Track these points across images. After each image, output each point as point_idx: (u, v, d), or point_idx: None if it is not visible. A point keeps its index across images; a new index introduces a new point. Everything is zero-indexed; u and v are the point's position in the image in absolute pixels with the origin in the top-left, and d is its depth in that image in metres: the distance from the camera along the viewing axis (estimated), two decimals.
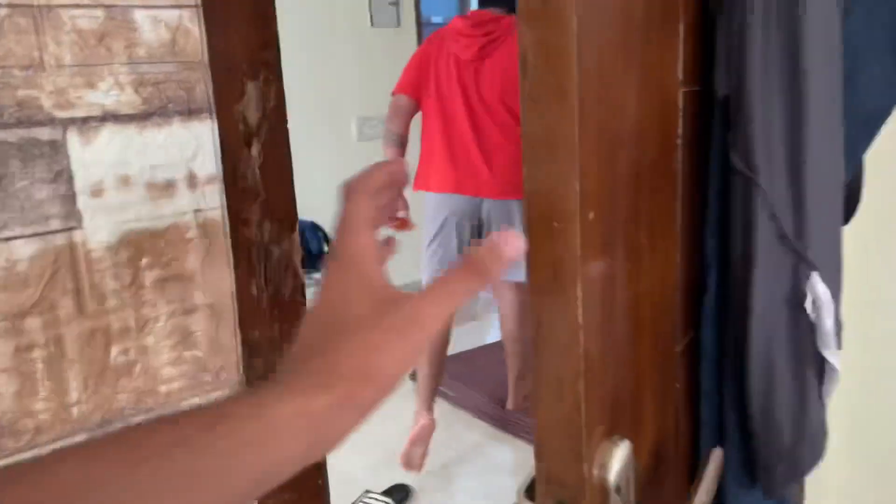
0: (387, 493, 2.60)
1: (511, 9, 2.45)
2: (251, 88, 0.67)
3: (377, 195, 0.43)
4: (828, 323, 0.76)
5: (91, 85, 0.58)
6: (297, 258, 0.73)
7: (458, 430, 3.10)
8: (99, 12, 0.58)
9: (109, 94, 0.59)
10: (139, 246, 0.62)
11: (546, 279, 0.54)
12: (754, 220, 0.76)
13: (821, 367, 0.78)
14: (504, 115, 2.54)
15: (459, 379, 3.30)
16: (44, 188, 0.57)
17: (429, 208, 2.75)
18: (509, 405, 3.11)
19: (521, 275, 0.54)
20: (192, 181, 0.64)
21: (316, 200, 4.02)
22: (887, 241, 1.26)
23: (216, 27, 0.64)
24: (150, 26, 0.60)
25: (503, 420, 3.11)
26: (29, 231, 0.57)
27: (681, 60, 0.71)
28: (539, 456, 0.59)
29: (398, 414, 2.57)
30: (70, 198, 0.58)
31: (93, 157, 0.59)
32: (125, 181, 0.61)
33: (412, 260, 4.35)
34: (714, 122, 0.77)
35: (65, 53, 0.57)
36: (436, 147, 2.64)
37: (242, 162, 0.67)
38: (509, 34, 2.50)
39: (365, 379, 0.35)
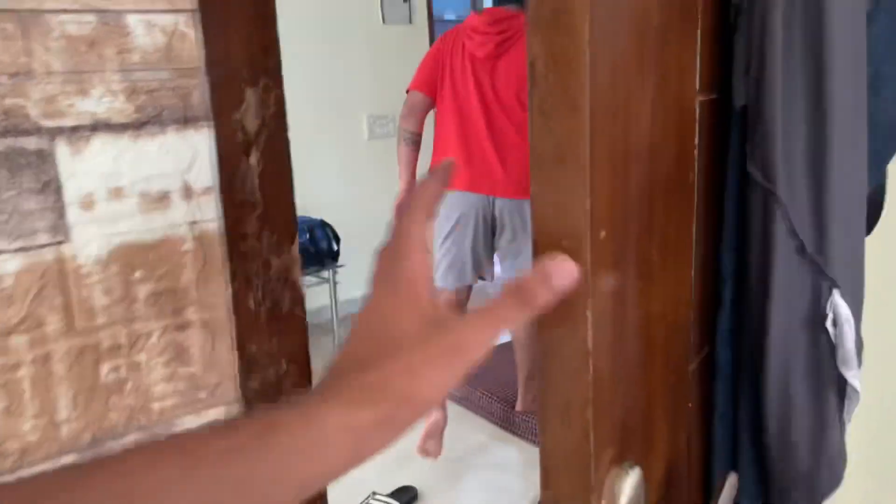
0: (393, 494, 2.58)
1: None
2: (250, 95, 0.65)
3: (430, 214, 0.44)
4: (849, 342, 0.73)
5: (81, 93, 0.56)
6: (297, 271, 0.70)
7: (465, 430, 3.08)
8: (90, 17, 0.56)
9: (101, 102, 0.57)
10: (131, 260, 0.60)
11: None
12: (772, 233, 0.72)
13: (841, 388, 0.75)
14: (520, 114, 2.51)
15: (466, 379, 3.28)
16: (31, 200, 0.55)
17: (442, 206, 2.72)
18: (519, 406, 3.09)
19: None
20: (187, 192, 0.62)
21: (325, 198, 4.03)
22: None
23: (214, 32, 0.62)
24: (144, 31, 0.58)
25: (510, 421, 3.09)
26: (15, 245, 0.54)
27: (698, 68, 0.68)
28: (545, 484, 0.57)
29: None
30: (58, 210, 0.56)
31: (83, 168, 0.57)
32: (117, 193, 0.59)
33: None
34: (731, 131, 0.74)
35: (53, 60, 0.54)
36: (450, 145, 2.63)
37: (240, 172, 0.65)
38: (525, 32, 2.48)
39: (406, 401, 0.36)
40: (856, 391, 0.75)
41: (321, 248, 3.75)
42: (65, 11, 0.55)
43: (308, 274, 3.77)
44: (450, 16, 5.39)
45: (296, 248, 0.70)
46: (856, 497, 1.21)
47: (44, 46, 0.54)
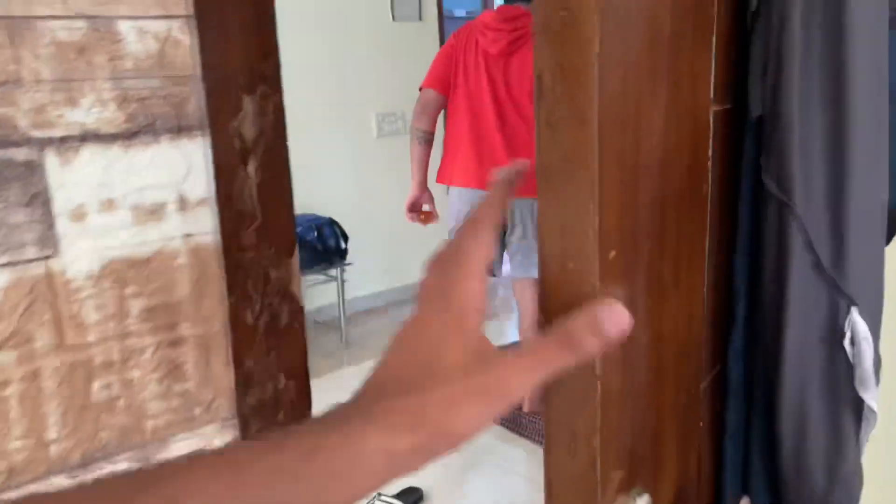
0: (399, 495, 2.57)
1: None
2: (248, 103, 0.63)
3: (495, 231, 0.43)
4: (867, 361, 0.70)
5: (71, 102, 0.54)
6: (297, 283, 0.68)
7: None
8: (80, 23, 0.54)
9: (91, 111, 0.55)
10: (123, 274, 0.58)
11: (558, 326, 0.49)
12: (788, 248, 0.70)
13: (857, 409, 0.72)
14: (531, 112, 2.49)
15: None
16: (19, 212, 0.53)
17: (452, 203, 2.73)
18: (526, 407, 3.07)
19: None
20: (182, 204, 0.60)
21: (333, 196, 4.01)
22: None
23: (210, 37, 0.60)
24: (136, 38, 0.56)
25: (517, 422, 3.06)
26: (2, 259, 0.53)
27: (713, 77, 0.65)
28: None
29: None
30: (48, 223, 0.54)
31: (73, 179, 0.55)
32: (108, 205, 0.57)
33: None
34: (746, 141, 0.72)
35: (42, 68, 0.53)
36: (461, 142, 2.61)
37: (238, 182, 0.63)
38: None
39: (442, 433, 0.35)
40: (873, 412, 0.72)
41: (329, 246, 3.74)
42: (55, 18, 0.53)
43: (315, 272, 3.76)
44: (460, 12, 5.36)
45: (295, 261, 0.68)
46: None
47: (33, 54, 0.52)
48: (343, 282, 3.87)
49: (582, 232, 0.48)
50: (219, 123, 0.61)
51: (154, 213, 0.59)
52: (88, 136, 0.54)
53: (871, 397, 0.71)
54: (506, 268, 2.87)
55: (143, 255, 0.59)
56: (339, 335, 3.89)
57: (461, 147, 2.62)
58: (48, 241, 0.54)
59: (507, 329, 3.90)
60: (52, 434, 0.56)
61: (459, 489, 2.75)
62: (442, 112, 2.76)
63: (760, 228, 0.72)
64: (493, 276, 2.84)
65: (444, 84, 2.65)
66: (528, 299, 2.80)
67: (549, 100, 0.48)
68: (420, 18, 4.35)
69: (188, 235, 0.60)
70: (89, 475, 0.57)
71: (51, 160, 0.53)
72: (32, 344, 0.55)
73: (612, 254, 0.49)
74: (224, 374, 0.64)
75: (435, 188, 2.85)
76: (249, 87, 0.62)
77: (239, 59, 0.61)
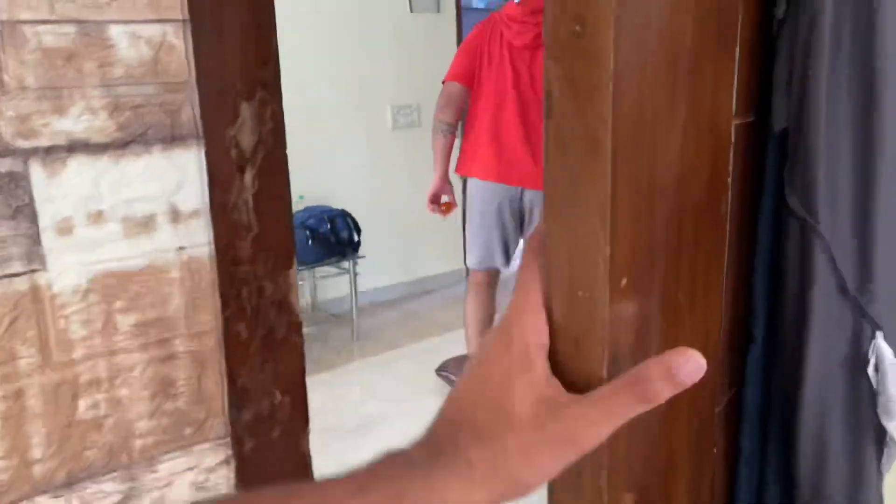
0: None
1: None
2: (245, 110, 0.60)
3: None
4: (892, 389, 0.67)
5: (58, 110, 0.51)
6: (294, 295, 0.66)
7: None
8: (69, 28, 0.51)
9: (79, 120, 0.52)
10: (112, 288, 0.56)
11: (568, 356, 0.46)
12: (810, 269, 0.66)
13: (880, 438, 0.69)
14: None
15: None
16: (3, 226, 0.51)
17: (472, 194, 2.72)
18: None
19: None
20: (174, 215, 0.58)
21: (347, 188, 3.99)
22: None
23: (206, 43, 0.57)
24: (128, 43, 0.53)
25: None
26: None
27: (735, 89, 0.61)
28: None
29: (422, 412, 2.51)
30: (33, 236, 0.52)
31: (59, 191, 0.52)
32: (97, 217, 0.54)
33: (453, 249, 4.26)
34: (768, 156, 0.68)
35: (27, 75, 0.50)
36: (483, 134, 2.60)
37: (234, 192, 0.60)
38: None
39: (517, 485, 0.36)
40: (895, 442, 0.69)
41: (342, 239, 3.72)
42: (42, 22, 0.50)
43: (328, 264, 3.74)
44: (479, 4, 5.30)
45: (293, 272, 0.66)
46: None
47: (18, 60, 0.50)
48: (356, 274, 3.85)
49: (592, 262, 0.45)
50: (215, 131, 0.58)
51: (145, 225, 0.56)
52: (77, 146, 0.52)
53: (894, 427, 0.67)
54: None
55: (133, 269, 0.56)
56: (350, 328, 3.87)
57: (482, 139, 2.60)
58: (34, 254, 0.52)
59: None
60: (36, 454, 0.54)
61: None
62: None
63: (782, 246, 0.68)
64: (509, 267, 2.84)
65: (468, 77, 2.63)
66: None
67: (558, 117, 0.45)
68: (438, 10, 4.30)
69: (181, 248, 0.58)
70: (74, 495, 0.55)
71: (36, 171, 0.51)
72: (16, 362, 0.53)
73: (624, 281, 0.46)
74: (217, 391, 0.62)
75: (453, 178, 2.84)
76: (247, 93, 0.60)
77: (236, 64, 0.59)
